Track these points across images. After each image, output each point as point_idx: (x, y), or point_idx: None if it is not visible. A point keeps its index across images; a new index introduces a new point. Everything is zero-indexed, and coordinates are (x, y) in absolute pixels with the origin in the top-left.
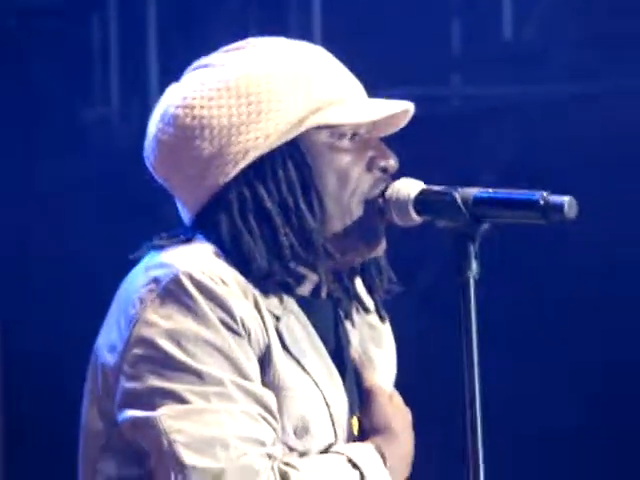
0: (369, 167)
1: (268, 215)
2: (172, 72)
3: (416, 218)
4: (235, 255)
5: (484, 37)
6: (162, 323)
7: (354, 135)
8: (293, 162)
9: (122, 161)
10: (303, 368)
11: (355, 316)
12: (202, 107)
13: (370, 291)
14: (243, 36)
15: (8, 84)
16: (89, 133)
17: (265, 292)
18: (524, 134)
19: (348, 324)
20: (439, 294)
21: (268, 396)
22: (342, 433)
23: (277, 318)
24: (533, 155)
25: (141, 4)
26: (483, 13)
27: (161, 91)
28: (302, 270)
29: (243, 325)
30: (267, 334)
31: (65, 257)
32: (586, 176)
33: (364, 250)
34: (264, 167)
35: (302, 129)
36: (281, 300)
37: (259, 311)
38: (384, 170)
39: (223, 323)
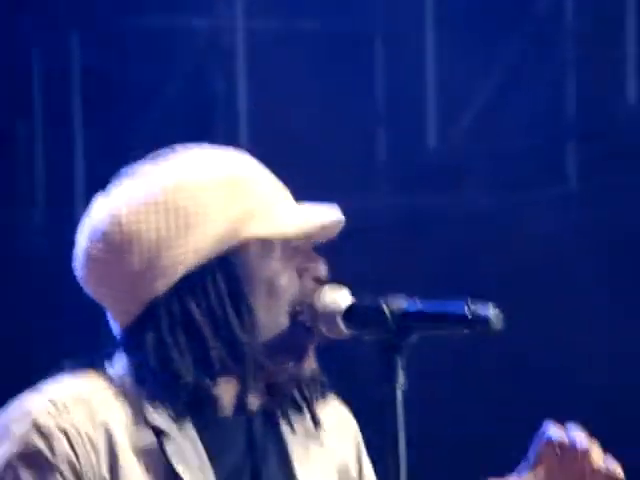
0: (299, 274)
1: (197, 329)
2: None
3: (345, 331)
4: (157, 373)
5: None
6: None
7: (285, 246)
8: (222, 275)
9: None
10: None
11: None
12: (130, 222)
13: (303, 398)
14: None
15: None
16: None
17: (160, 408)
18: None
19: (286, 434)
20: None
21: None
22: None
23: (161, 433)
24: (459, 262)
25: (66, 109)
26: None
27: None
28: (222, 386)
29: (70, 465)
30: (116, 459)
31: None
32: (510, 283)
33: (292, 366)
34: (194, 281)
35: (232, 242)
36: (177, 418)
37: (109, 438)
38: (315, 279)
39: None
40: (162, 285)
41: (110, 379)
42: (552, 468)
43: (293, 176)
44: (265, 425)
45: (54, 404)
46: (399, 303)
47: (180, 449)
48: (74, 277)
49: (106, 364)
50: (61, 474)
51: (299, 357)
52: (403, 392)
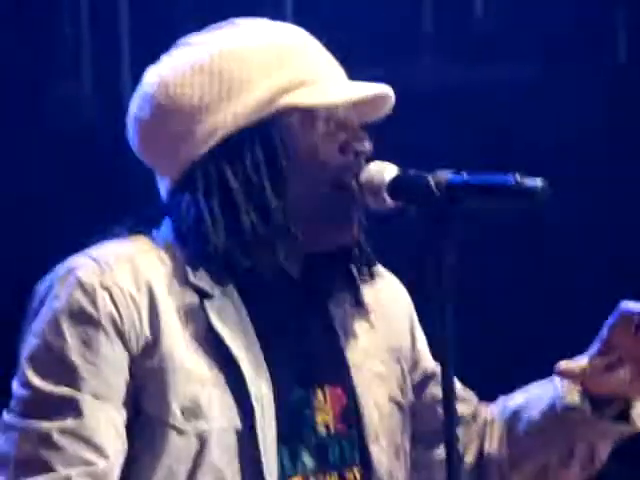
0: (341, 150)
1: (231, 193)
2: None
3: (390, 202)
4: (192, 236)
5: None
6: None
7: (329, 119)
8: (261, 142)
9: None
10: (223, 348)
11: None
12: (175, 85)
13: (349, 276)
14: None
15: None
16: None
17: (201, 271)
18: (494, 115)
19: (333, 307)
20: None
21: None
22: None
23: (205, 295)
24: (508, 135)
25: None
26: None
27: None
28: (263, 252)
29: (113, 322)
30: (158, 318)
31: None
32: (559, 158)
33: (334, 235)
34: (232, 146)
35: (272, 110)
36: (219, 281)
37: (152, 297)
38: (357, 154)
39: (80, 340)
40: (202, 148)
41: (155, 242)
42: (627, 346)
43: (339, 47)
44: (309, 294)
45: (98, 263)
46: (445, 175)
47: (221, 309)
48: (123, 147)
49: (153, 229)
50: (104, 330)
51: (341, 225)
52: (451, 264)
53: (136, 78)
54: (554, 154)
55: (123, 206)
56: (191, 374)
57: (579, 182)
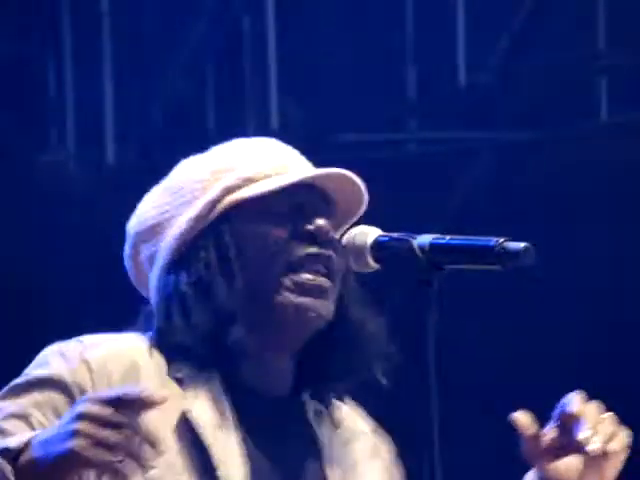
0: (293, 234)
1: (183, 296)
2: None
3: (373, 265)
4: (165, 342)
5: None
6: None
7: (267, 206)
8: (214, 241)
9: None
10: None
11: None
12: (145, 212)
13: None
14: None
15: None
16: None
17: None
18: (478, 179)
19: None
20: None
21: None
22: None
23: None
24: (487, 200)
25: (96, 46)
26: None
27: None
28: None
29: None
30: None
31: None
32: (540, 222)
33: (308, 309)
34: (189, 252)
35: (219, 209)
36: (206, 381)
37: (135, 373)
38: (311, 235)
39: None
40: (162, 261)
41: (144, 336)
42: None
43: (322, 113)
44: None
45: (81, 342)
46: (427, 237)
47: (201, 407)
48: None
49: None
50: (70, 394)
51: (314, 297)
52: (434, 326)
53: (119, 139)
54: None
55: (108, 267)
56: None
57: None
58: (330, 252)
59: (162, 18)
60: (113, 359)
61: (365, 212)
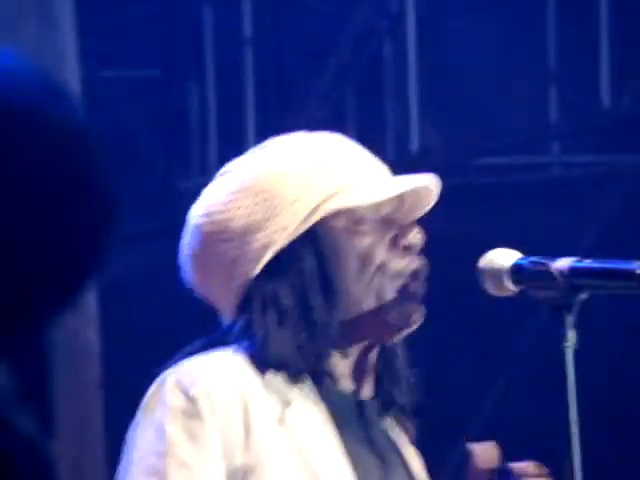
0: (391, 247)
1: (285, 310)
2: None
3: (511, 288)
4: (263, 355)
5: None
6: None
7: (374, 218)
8: (311, 251)
9: None
10: (303, 451)
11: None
12: (221, 212)
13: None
14: (339, 107)
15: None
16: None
17: (278, 375)
18: (622, 203)
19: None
20: (536, 362)
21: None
22: None
23: (287, 403)
24: (631, 225)
25: (238, 75)
26: (580, 81)
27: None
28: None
29: (212, 411)
30: (249, 417)
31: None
32: None
33: (401, 322)
34: (284, 261)
35: (317, 217)
36: (300, 389)
37: (243, 401)
38: (406, 248)
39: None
40: (255, 268)
41: (235, 351)
42: None
43: (462, 137)
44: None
45: (189, 372)
46: (567, 261)
47: (300, 415)
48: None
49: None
50: (208, 425)
51: (409, 313)
52: (574, 351)
53: None
54: None
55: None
56: (278, 473)
57: None
58: (426, 262)
59: (303, 46)
60: (221, 396)
61: (506, 235)
